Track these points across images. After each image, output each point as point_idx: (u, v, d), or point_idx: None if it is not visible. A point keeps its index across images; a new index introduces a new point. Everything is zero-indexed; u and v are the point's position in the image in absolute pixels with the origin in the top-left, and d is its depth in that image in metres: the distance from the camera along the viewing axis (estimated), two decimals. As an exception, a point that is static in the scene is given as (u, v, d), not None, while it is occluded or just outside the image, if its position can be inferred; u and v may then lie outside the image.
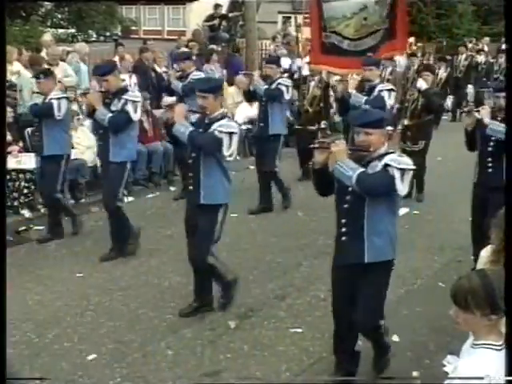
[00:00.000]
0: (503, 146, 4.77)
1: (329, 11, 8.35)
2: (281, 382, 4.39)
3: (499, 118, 5.46)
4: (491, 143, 5.61)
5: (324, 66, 8.73)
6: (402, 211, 7.98)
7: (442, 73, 13.66)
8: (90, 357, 4.59)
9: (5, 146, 4.93)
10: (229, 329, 5.07)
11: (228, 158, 4.99)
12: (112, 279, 6.01)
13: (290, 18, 27.91)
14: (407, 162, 3.84)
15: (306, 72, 12.30)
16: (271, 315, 5.30)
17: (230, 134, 4.92)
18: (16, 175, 7.40)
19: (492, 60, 17.16)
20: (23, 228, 7.30)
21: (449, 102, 14.61)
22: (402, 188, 3.84)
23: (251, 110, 11.00)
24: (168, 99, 9.69)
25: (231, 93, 11.09)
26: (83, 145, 8.37)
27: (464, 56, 16.23)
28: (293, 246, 6.78)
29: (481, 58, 17.32)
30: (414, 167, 3.91)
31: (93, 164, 8.38)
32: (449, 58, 16.99)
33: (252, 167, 10.04)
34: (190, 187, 5.14)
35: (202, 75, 8.17)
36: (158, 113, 9.45)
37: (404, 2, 8.30)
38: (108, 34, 24.23)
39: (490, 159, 5.69)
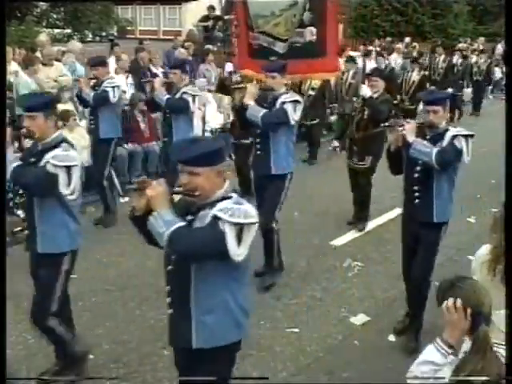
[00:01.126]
0: (432, 173, 4.56)
1: (255, 8, 6.91)
2: (277, 381, 4.40)
3: (428, 136, 4.60)
4: (418, 167, 4.62)
5: (253, 71, 7.03)
6: (397, 211, 8.02)
7: (415, 75, 12.89)
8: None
9: (5, 145, 4.90)
10: (225, 329, 5.06)
11: (69, 197, 4.08)
12: (108, 279, 6.00)
13: (285, 17, 27.97)
14: (247, 214, 2.87)
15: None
16: (267, 315, 5.30)
17: (68, 167, 4.00)
18: (12, 175, 7.38)
19: (480, 61, 16.61)
20: (18, 229, 7.28)
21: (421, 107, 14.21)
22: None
23: (248, 110, 11.02)
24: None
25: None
26: (79, 145, 8.34)
27: (442, 57, 15.18)
28: (289, 247, 6.78)
29: (477, 59, 16.83)
30: (250, 221, 2.90)
31: (88, 164, 8.36)
32: (425, 59, 16.33)
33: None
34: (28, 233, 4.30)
35: (116, 82, 7.36)
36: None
37: (335, 16, 6.74)
38: (104, 34, 24.20)
39: (416, 187, 4.69)
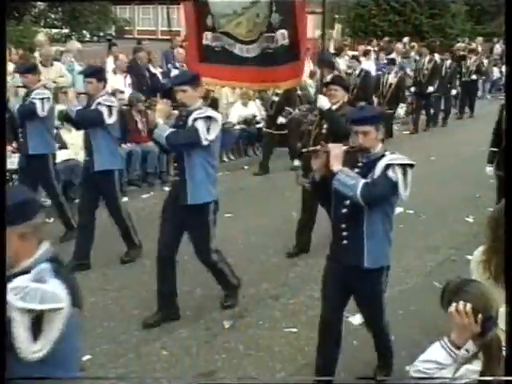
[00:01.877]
0: (363, 209, 3.75)
1: (217, 6, 6.07)
2: (276, 381, 4.40)
3: (360, 164, 3.86)
4: (346, 201, 3.81)
5: (206, 77, 6.09)
6: (396, 210, 8.02)
7: (392, 78, 12.50)
8: (85, 357, 4.58)
9: (5, 145, 4.88)
10: (224, 329, 5.07)
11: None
12: (106, 279, 6.00)
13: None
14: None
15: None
16: (266, 315, 5.30)
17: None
18: (9, 175, 7.38)
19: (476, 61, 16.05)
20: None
21: (401, 111, 13.45)
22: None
23: (245, 110, 11.03)
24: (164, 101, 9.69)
25: (225, 93, 11.09)
26: (79, 145, 8.35)
27: (427, 58, 14.10)
28: (287, 247, 6.78)
29: (476, 60, 16.08)
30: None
31: (86, 165, 8.37)
32: (404, 58, 16.00)
33: (246, 167, 10.07)
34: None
35: (46, 94, 6.53)
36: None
37: (304, 16, 5.92)
38: (102, 34, 24.19)
39: (344, 225, 3.88)
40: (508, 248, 2.70)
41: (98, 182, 6.12)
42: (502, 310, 2.45)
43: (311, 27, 32.62)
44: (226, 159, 10.18)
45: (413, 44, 18.73)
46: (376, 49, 17.10)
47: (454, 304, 2.38)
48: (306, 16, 6.00)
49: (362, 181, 3.69)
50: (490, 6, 28.45)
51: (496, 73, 19.06)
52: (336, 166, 3.73)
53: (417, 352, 4.65)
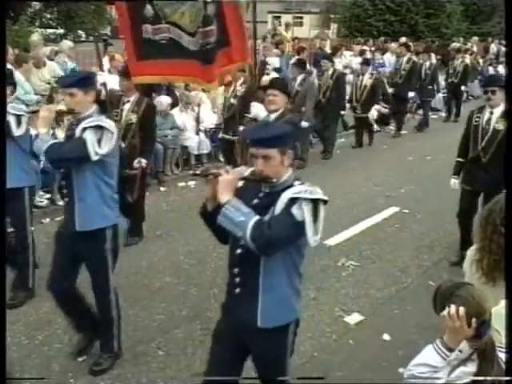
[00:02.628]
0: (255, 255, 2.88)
1: None
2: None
3: (261, 194, 3.02)
4: (240, 242, 2.93)
5: (148, 76, 5.69)
6: (392, 210, 8.05)
7: (367, 79, 11.66)
8: (81, 358, 4.57)
9: (5, 145, 4.82)
10: (220, 329, 5.06)
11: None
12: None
13: (279, 17, 28.01)
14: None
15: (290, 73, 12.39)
16: (262, 315, 5.29)
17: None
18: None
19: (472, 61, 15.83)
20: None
21: (374, 113, 12.40)
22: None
23: (242, 110, 11.02)
24: (162, 98, 9.68)
25: (221, 93, 11.07)
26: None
27: (406, 58, 13.25)
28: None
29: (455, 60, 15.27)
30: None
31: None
32: (380, 58, 15.53)
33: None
34: None
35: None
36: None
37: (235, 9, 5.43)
38: (97, 33, 24.15)
39: (237, 269, 3.07)
40: (508, 248, 2.71)
41: (7, 201, 4.94)
42: (496, 310, 2.45)
43: (307, 27, 32.75)
44: (222, 159, 10.16)
45: (408, 44, 18.76)
46: (372, 48, 17.14)
47: (447, 309, 2.37)
48: (237, 12, 5.49)
49: (254, 218, 2.80)
50: (486, 5, 28.54)
51: (491, 72, 19.11)
52: (223, 195, 2.84)
53: (413, 352, 4.68)
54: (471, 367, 2.31)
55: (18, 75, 8.60)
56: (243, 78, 8.30)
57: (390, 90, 13.08)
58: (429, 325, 5.08)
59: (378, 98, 12.17)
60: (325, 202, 2.96)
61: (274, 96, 5.40)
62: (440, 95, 15.23)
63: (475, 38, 22.61)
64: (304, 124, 9.33)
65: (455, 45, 20.90)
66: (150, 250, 6.74)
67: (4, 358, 2.16)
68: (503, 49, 21.11)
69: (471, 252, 3.14)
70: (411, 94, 13.29)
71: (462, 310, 2.33)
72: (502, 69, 18.92)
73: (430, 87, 13.88)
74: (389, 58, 16.43)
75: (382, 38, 20.00)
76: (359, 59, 14.57)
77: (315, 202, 2.91)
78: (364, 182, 9.41)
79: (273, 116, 5.33)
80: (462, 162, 6.15)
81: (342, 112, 11.42)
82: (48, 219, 7.48)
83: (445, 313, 2.38)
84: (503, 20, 26.38)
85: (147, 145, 6.67)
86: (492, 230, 2.97)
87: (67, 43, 10.90)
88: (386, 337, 4.97)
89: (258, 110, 5.20)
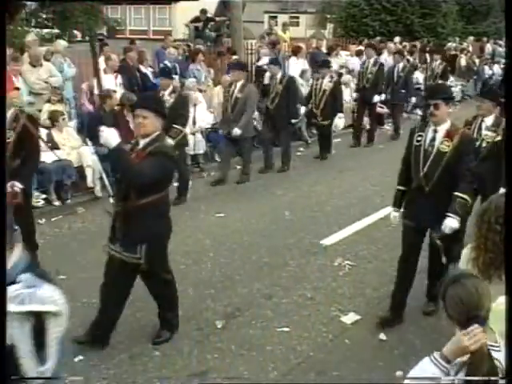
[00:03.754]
0: None
1: None
2: (268, 381, 4.40)
3: None
4: None
5: None
6: (388, 210, 8.04)
7: (327, 83, 10.49)
8: (77, 358, 4.57)
9: (5, 146, 4.81)
10: (216, 329, 5.07)
11: None
12: (98, 280, 5.96)
13: (276, 17, 28.00)
14: None
15: (292, 72, 12.38)
16: (258, 315, 5.30)
17: None
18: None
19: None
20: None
21: (339, 123, 10.87)
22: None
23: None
24: None
25: (217, 92, 11.08)
26: (68, 145, 8.34)
27: (372, 60, 11.99)
28: (279, 246, 6.79)
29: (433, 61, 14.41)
30: None
31: (78, 165, 8.35)
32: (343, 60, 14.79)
33: (239, 167, 10.06)
34: None
35: None
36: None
37: None
38: (93, 33, 24.11)
39: None
40: (508, 247, 2.71)
41: None
42: (492, 307, 2.45)
43: (303, 27, 32.74)
44: (218, 159, 10.16)
45: (404, 44, 18.79)
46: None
47: (465, 331, 2.31)
48: None
49: None
50: (481, 5, 28.57)
51: (487, 71, 19.17)
52: None
53: (409, 351, 4.69)
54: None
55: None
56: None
57: (354, 95, 12.41)
58: (425, 324, 5.11)
59: (341, 104, 10.83)
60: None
61: (143, 118, 4.36)
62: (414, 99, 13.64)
63: (471, 38, 22.64)
64: (236, 131, 8.99)
65: (451, 44, 20.94)
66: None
67: (4, 358, 2.15)
68: (499, 49, 21.17)
69: (467, 250, 3.15)
70: (377, 98, 12.00)
71: (483, 336, 2.27)
72: (497, 69, 18.98)
73: (403, 91, 12.72)
74: (385, 59, 16.44)
75: (378, 38, 20.00)
76: (356, 59, 14.60)
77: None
78: (361, 181, 9.42)
79: (143, 141, 4.40)
80: (403, 191, 5.12)
81: (294, 120, 10.34)
82: (44, 219, 7.47)
83: (467, 331, 2.30)
84: (498, 20, 26.45)
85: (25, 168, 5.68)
86: (487, 228, 2.98)
87: (62, 43, 10.87)
88: (383, 336, 4.97)
89: (107, 136, 4.07)
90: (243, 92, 9.10)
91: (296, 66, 13.04)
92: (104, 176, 8.44)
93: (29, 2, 21.94)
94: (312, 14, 34.40)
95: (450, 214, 4.64)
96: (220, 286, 5.72)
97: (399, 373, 2.61)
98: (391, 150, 11.80)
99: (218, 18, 16.38)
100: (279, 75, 10.09)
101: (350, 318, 5.27)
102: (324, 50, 15.51)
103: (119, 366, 4.50)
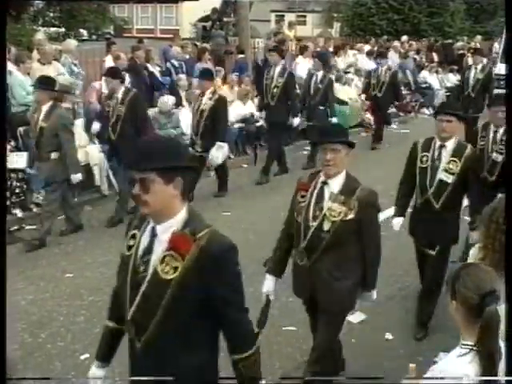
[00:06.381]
0: None
1: None
2: (274, 380, 4.39)
3: None
4: None
5: None
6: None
7: (207, 101, 8.21)
8: (83, 356, 4.58)
9: (5, 145, 4.85)
10: (222, 327, 5.06)
11: None
12: (104, 278, 5.99)
13: (283, 16, 27.99)
14: None
15: (299, 72, 12.37)
16: (264, 313, 5.29)
17: None
18: (8, 174, 7.37)
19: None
20: (15, 227, 7.28)
21: (217, 156, 8.26)
22: None
23: (244, 109, 11.03)
24: (166, 98, 9.68)
25: (224, 92, 11.08)
26: (75, 144, 8.34)
27: (279, 67, 9.67)
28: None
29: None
30: None
31: (85, 163, 8.36)
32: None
33: (245, 165, 10.07)
34: None
35: None
36: (151, 112, 9.44)
37: None
38: (100, 32, 24.15)
39: None
40: (508, 248, 2.70)
41: None
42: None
43: (310, 26, 32.71)
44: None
45: (411, 43, 18.73)
46: (375, 48, 17.11)
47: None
48: None
49: None
50: (489, 4, 28.45)
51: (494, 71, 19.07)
52: None
53: (415, 351, 4.68)
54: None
55: (17, 74, 8.61)
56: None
57: (259, 114, 10.40)
58: (431, 324, 5.09)
59: (224, 126, 8.38)
60: None
61: None
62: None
63: (478, 37, 22.55)
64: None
65: (459, 44, 20.86)
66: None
67: (4, 358, 2.16)
68: (507, 47, 21.04)
69: (475, 250, 3.14)
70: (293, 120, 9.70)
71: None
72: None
73: (322, 108, 10.18)
74: (392, 58, 16.42)
75: (385, 37, 19.96)
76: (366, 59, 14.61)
77: None
78: (366, 181, 9.37)
79: None
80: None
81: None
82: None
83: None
84: (507, 19, 26.29)
85: None
86: (495, 228, 2.97)
87: (72, 42, 10.88)
88: (389, 336, 4.96)
89: None
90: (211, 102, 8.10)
91: (303, 66, 13.03)
92: (111, 174, 8.47)
93: (36, 1, 22.05)
94: (319, 12, 34.37)
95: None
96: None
97: (412, 365, 2.60)
98: (398, 148, 11.77)
99: (225, 19, 16.41)
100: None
101: (356, 318, 5.26)
102: (331, 49, 15.49)
103: (125, 365, 4.49)
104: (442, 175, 4.74)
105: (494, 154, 5.61)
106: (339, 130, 4.06)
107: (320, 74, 10.30)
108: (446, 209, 4.80)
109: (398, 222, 5.19)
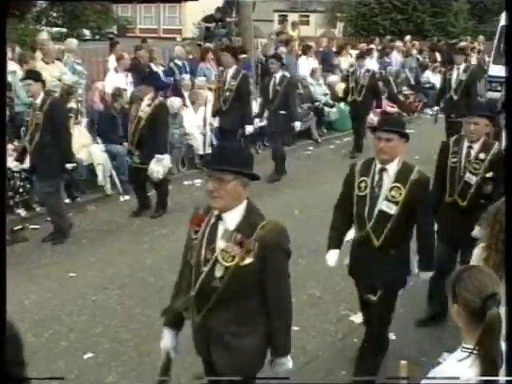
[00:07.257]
0: None
1: None
2: (277, 381, 4.39)
3: None
4: None
5: None
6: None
7: (145, 107, 7.57)
8: (86, 356, 4.59)
9: (5, 145, 4.88)
10: (225, 327, 5.06)
11: None
12: (107, 278, 6.00)
13: (286, 16, 27.98)
14: None
15: (302, 71, 12.36)
16: (267, 313, 5.29)
17: None
18: (11, 174, 7.38)
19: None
20: (19, 227, 7.29)
21: (157, 170, 7.50)
22: None
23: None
24: (173, 100, 9.68)
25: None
26: (79, 143, 8.36)
27: (232, 70, 9.30)
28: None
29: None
30: None
31: (89, 163, 8.38)
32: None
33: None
34: None
35: None
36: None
37: None
38: (103, 32, 24.19)
39: None
40: (508, 248, 2.70)
41: None
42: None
43: (313, 26, 32.69)
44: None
45: (414, 42, 18.72)
46: (379, 47, 17.12)
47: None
48: None
49: None
50: (493, 4, 28.39)
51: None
52: None
53: (417, 351, 4.67)
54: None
55: (21, 74, 8.61)
56: None
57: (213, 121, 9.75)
58: (434, 324, 5.08)
59: (163, 136, 7.63)
60: None
61: None
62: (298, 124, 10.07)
63: (482, 37, 22.52)
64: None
65: (463, 43, 20.82)
66: (155, 248, 6.75)
67: (4, 356, 2.17)
68: (510, 48, 20.98)
69: (478, 250, 3.14)
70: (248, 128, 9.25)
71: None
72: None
73: (283, 112, 9.32)
74: (395, 57, 16.43)
75: (389, 37, 19.95)
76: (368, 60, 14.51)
77: None
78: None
79: None
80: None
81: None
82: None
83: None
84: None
85: None
86: (499, 229, 2.97)
87: (74, 41, 10.90)
88: (392, 336, 4.95)
89: None
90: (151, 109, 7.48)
91: (306, 65, 13.03)
92: (114, 174, 8.48)
93: (39, 1, 22.09)
94: (322, 12, 34.38)
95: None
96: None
97: (403, 362, 2.59)
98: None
99: (228, 19, 16.41)
100: (279, 74, 9.41)
101: (358, 318, 5.25)
102: (334, 49, 15.49)
103: (128, 364, 4.52)
104: (382, 205, 4.03)
105: (467, 175, 4.80)
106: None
107: (278, 75, 9.45)
108: (388, 246, 4.09)
109: (332, 256, 4.38)
